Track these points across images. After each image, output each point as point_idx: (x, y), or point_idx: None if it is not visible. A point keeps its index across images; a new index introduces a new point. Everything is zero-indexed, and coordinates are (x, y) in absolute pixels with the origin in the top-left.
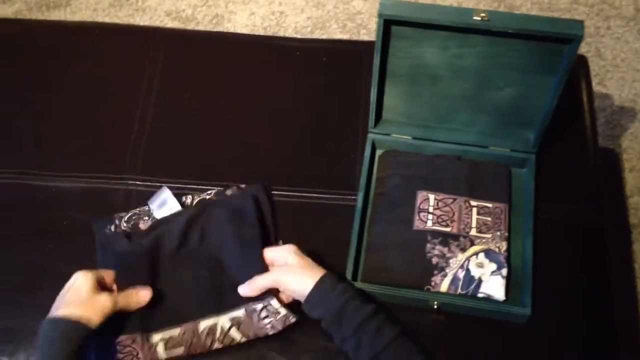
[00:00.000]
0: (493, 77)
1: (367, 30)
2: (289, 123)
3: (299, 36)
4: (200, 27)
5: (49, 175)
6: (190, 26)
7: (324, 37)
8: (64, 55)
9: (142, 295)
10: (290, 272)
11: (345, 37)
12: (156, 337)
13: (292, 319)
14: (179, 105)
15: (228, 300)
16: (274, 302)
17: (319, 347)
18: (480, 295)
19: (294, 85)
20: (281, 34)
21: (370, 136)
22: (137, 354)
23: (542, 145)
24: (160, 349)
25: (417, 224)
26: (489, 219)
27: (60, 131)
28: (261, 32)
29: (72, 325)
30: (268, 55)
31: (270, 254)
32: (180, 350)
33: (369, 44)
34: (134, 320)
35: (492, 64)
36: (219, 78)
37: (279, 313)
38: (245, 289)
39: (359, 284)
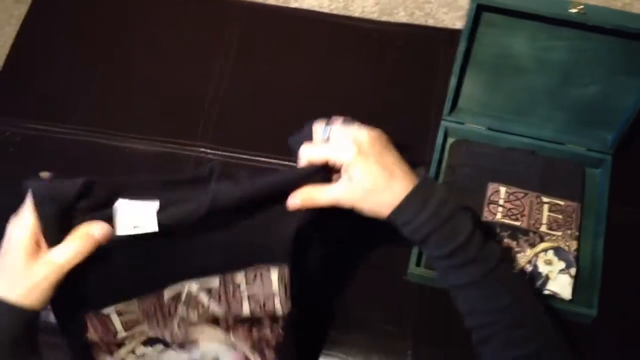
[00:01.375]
0: (579, 73)
1: (435, 20)
2: (361, 104)
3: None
4: (267, 3)
5: (123, 136)
6: (258, 1)
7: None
8: (145, 19)
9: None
10: (362, 194)
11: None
12: (108, 310)
13: (285, 310)
14: (254, 78)
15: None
16: (274, 274)
17: None
18: (546, 292)
19: (369, 66)
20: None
21: (444, 124)
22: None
23: (617, 147)
24: (114, 319)
25: (486, 215)
26: (560, 216)
27: (136, 94)
28: (318, 11)
29: (7, 312)
30: (345, 35)
31: (322, 153)
32: (138, 320)
33: (448, 31)
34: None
35: (579, 59)
36: (295, 54)
37: (271, 286)
38: (295, 200)
39: (421, 270)
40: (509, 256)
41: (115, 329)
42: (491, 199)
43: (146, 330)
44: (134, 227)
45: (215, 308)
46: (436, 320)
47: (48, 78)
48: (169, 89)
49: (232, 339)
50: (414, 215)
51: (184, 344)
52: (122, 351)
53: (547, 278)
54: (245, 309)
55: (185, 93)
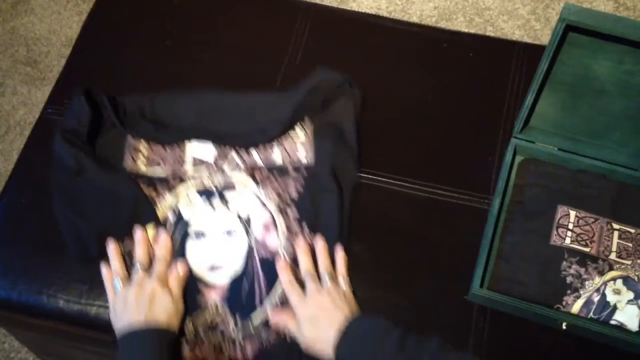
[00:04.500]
0: None
1: (494, 28)
2: (427, 115)
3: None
4: (325, 4)
5: None
6: (316, 1)
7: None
8: (216, 19)
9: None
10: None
11: (471, 31)
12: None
13: (307, 159)
14: None
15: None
16: (299, 129)
17: None
18: (612, 322)
19: (437, 77)
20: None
21: (514, 141)
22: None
23: None
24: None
25: (555, 239)
26: (630, 244)
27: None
28: (385, 16)
29: (163, 334)
30: (413, 43)
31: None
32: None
33: (521, 45)
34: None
35: None
36: (362, 60)
37: (296, 136)
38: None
39: (484, 292)
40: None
41: (185, 160)
42: (560, 222)
43: (206, 177)
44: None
45: (257, 159)
46: (497, 341)
47: (115, 66)
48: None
49: (263, 193)
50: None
51: (225, 188)
52: (181, 188)
53: (614, 308)
54: (278, 159)
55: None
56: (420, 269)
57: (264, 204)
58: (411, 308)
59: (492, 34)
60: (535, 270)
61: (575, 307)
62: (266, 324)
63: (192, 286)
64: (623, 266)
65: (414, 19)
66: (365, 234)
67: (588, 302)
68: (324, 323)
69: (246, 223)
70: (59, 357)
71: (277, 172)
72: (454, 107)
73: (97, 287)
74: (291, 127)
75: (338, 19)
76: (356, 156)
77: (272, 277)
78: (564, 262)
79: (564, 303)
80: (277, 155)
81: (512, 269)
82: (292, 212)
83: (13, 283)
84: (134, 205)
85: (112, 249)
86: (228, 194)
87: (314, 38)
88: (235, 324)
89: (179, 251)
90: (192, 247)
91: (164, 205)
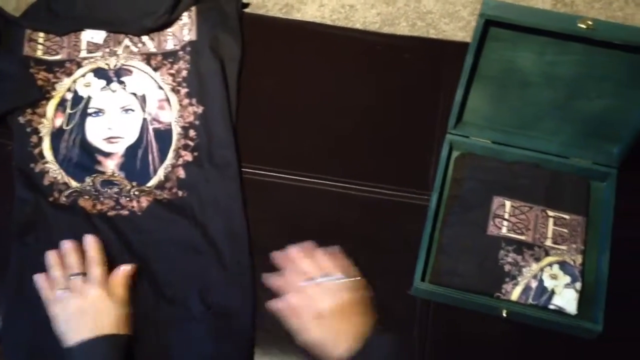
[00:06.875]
0: (585, 87)
1: (437, 30)
2: (365, 117)
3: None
4: (270, 15)
5: None
6: (260, 13)
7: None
8: None
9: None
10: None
11: (414, 35)
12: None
13: (192, 36)
14: (260, 91)
15: None
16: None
17: None
18: (551, 307)
19: (373, 79)
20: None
21: (449, 137)
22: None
23: (624, 161)
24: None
25: (492, 230)
26: (566, 230)
27: None
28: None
29: (113, 340)
30: (349, 47)
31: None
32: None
33: (453, 44)
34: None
35: (587, 74)
36: (300, 67)
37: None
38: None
39: (426, 285)
40: None
41: (80, 47)
42: (496, 212)
43: (100, 60)
44: None
45: (151, 46)
46: (441, 333)
47: None
48: None
49: (159, 77)
50: None
51: (122, 72)
52: (78, 72)
53: (552, 293)
54: (170, 45)
55: None
56: (365, 268)
57: (159, 86)
58: None
59: (434, 37)
60: (474, 261)
61: (515, 294)
62: (159, 187)
63: (90, 156)
64: (559, 251)
65: (358, 26)
66: (310, 237)
67: (526, 289)
68: (341, 331)
69: (142, 100)
70: None
71: (170, 57)
72: (392, 107)
73: None
74: (177, 13)
75: (276, 28)
76: (239, 36)
77: (165, 147)
78: (501, 251)
79: (503, 291)
80: (169, 42)
81: (451, 261)
82: (183, 89)
83: None
84: (21, 83)
85: (52, 258)
86: (125, 78)
87: (255, 49)
88: (132, 187)
89: (79, 128)
90: (91, 123)
91: (63, 87)
